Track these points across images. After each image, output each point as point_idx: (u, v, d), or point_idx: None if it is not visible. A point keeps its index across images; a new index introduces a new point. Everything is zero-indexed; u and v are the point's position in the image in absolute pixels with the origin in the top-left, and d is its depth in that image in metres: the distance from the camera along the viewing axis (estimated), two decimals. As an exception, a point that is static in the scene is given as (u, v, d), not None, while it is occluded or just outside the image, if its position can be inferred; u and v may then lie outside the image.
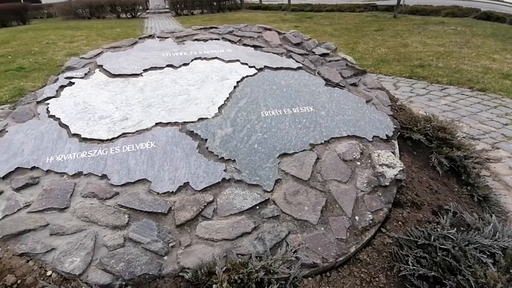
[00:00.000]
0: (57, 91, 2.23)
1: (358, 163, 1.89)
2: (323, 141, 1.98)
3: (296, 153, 1.89)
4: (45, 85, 2.39)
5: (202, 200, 1.61)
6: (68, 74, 2.39)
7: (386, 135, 2.08)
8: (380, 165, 1.85)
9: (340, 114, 2.18)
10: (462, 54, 6.73)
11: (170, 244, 1.44)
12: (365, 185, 1.77)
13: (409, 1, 14.18)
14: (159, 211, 1.55)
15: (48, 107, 2.09)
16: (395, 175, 1.82)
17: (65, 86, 2.28)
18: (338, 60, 2.73)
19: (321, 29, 10.96)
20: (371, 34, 9.46)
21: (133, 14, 18.31)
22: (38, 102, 2.13)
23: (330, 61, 2.72)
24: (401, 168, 1.86)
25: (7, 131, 1.92)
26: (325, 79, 2.49)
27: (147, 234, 1.46)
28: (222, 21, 14.56)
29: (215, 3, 20.04)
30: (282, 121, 2.09)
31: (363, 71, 2.64)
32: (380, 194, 1.76)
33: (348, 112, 2.21)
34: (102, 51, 2.71)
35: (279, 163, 1.83)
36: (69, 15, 17.88)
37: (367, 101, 2.33)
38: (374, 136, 2.05)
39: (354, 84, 2.49)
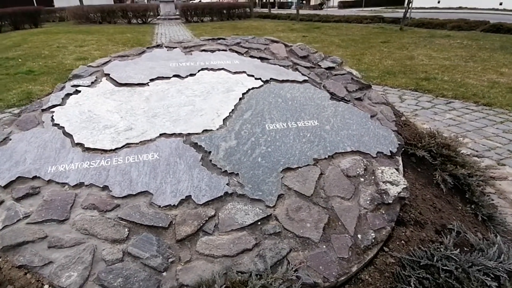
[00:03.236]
0: (62, 99, 2.25)
1: (362, 179, 1.86)
2: (327, 156, 1.96)
3: (300, 167, 1.87)
4: (52, 91, 2.41)
5: (204, 215, 1.59)
6: (75, 82, 2.41)
7: (390, 151, 2.05)
8: (383, 182, 1.82)
9: (344, 129, 2.16)
10: (467, 68, 6.70)
11: (170, 260, 1.42)
12: (368, 202, 1.74)
13: (415, 14, 14.23)
14: (160, 225, 1.54)
15: (53, 115, 2.10)
16: (399, 193, 1.78)
17: (71, 94, 2.30)
18: (344, 74, 2.72)
19: (329, 39, 11.01)
20: (378, 45, 9.48)
21: (144, 20, 18.62)
22: (43, 110, 2.15)
23: (335, 74, 2.72)
24: (405, 186, 1.82)
25: (10, 139, 1.93)
26: (331, 93, 2.48)
27: (147, 248, 1.44)
28: (231, 29, 14.72)
29: (224, 11, 20.35)
30: (287, 135, 2.08)
31: (368, 85, 2.63)
32: (383, 212, 1.73)
33: (352, 127, 2.19)
34: (110, 60, 2.74)
35: (282, 177, 1.81)
36: (81, 19, 18.26)
37: (371, 116, 2.31)
38: (378, 152, 2.03)
39: (359, 99, 2.47)
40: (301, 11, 18.61)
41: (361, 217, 1.67)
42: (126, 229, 1.51)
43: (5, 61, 7.82)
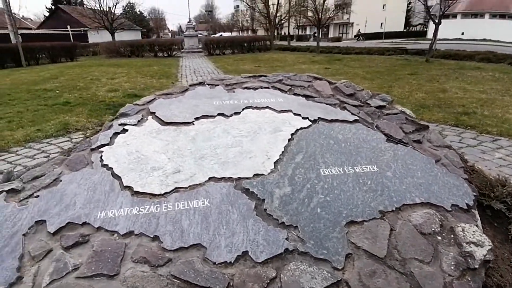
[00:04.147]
0: (111, 138, 2.21)
1: (439, 238, 1.63)
2: (394, 208, 1.76)
3: (366, 221, 1.68)
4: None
5: (264, 276, 1.41)
6: (122, 120, 2.39)
7: (467, 204, 1.82)
8: (467, 243, 1.59)
9: (408, 176, 1.97)
10: (505, 103, 6.40)
11: (231, 333, 1.23)
12: (452, 267, 1.50)
13: (440, 46, 14.16)
14: (217, 287, 1.37)
15: (101, 155, 2.05)
16: (484, 256, 1.54)
17: (119, 133, 2.27)
18: (397, 113, 2.57)
19: (352, 71, 11.02)
20: (405, 77, 9.34)
21: (169, 53, 19.62)
22: (92, 150, 2.11)
23: (387, 114, 2.57)
24: (490, 247, 1.58)
25: (61, 180, 1.87)
26: (386, 134, 2.32)
27: (205, 317, 1.26)
28: (252, 61, 15.15)
29: (245, 44, 21.16)
30: (345, 182, 1.91)
31: (425, 126, 2.45)
32: (469, 279, 1.48)
33: (417, 174, 1.99)
34: (154, 98, 2.74)
35: (347, 233, 1.62)
36: (112, 53, 19.50)
37: (436, 161, 2.12)
38: (452, 205, 1.81)
39: (418, 141, 2.29)
40: (321, 43, 18.99)
41: (446, 285, 1.43)
42: (181, 291, 1.35)
43: (44, 92, 8.26)
